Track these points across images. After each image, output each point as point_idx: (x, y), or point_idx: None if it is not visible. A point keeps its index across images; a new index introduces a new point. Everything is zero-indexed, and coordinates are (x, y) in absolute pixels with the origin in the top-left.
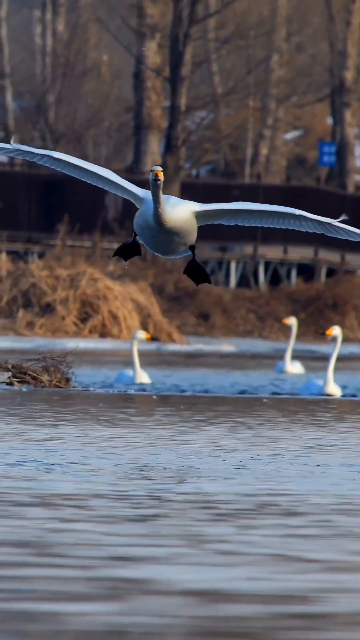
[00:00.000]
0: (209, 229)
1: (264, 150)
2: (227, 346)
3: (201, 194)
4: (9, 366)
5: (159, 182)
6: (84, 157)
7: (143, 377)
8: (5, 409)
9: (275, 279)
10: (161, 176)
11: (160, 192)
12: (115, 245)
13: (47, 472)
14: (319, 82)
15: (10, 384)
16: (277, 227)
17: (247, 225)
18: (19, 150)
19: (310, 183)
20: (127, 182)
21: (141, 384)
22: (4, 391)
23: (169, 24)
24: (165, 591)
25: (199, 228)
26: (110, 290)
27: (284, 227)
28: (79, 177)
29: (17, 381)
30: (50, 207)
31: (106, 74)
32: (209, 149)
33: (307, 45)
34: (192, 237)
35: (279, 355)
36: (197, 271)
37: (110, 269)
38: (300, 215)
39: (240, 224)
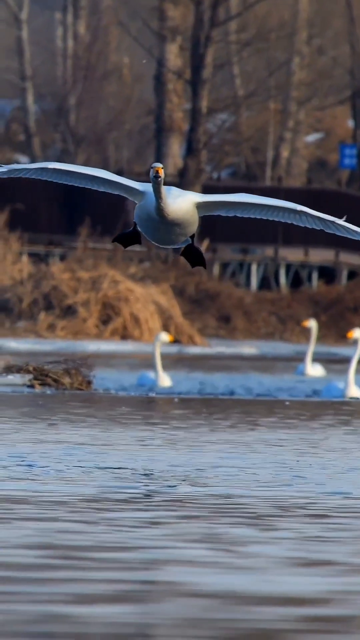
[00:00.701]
0: (230, 231)
1: (285, 153)
2: (248, 349)
3: None
4: (30, 369)
5: (159, 179)
6: (105, 160)
7: (165, 379)
8: (27, 411)
9: (296, 282)
10: (161, 173)
11: (162, 188)
12: (137, 248)
13: (69, 474)
14: (340, 85)
15: (32, 386)
16: (277, 220)
17: (246, 216)
18: (13, 170)
19: (331, 186)
20: (124, 178)
21: (163, 386)
22: (25, 394)
23: (190, 27)
24: (189, 593)
25: (219, 231)
26: (132, 293)
27: (283, 220)
28: (76, 185)
29: (39, 384)
30: (71, 209)
31: (127, 77)
32: (230, 152)
33: (328, 48)
34: (193, 228)
35: (301, 358)
36: (194, 254)
37: (131, 271)
38: (301, 211)
39: (239, 215)
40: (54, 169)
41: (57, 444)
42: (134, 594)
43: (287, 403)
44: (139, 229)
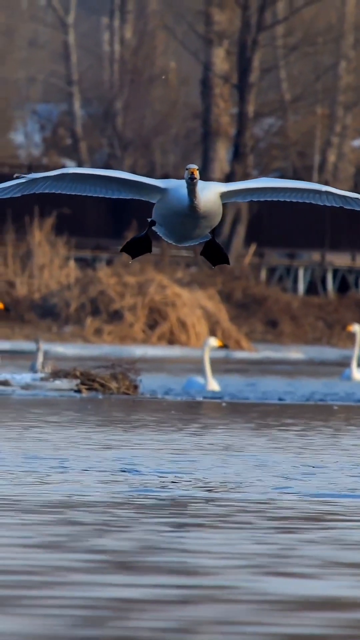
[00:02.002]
0: (277, 236)
1: (331, 158)
2: (295, 353)
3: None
4: (78, 373)
5: (195, 180)
6: (152, 164)
7: (214, 384)
8: (74, 415)
9: (343, 286)
10: (197, 174)
11: (197, 188)
12: (184, 253)
13: (116, 477)
14: None
15: (79, 391)
16: (301, 201)
17: (270, 199)
18: (32, 180)
19: None
20: (144, 177)
21: (212, 391)
22: (72, 398)
23: (237, 31)
24: (234, 599)
25: (266, 236)
26: (179, 297)
27: (307, 201)
28: (93, 194)
29: (86, 388)
30: (118, 213)
31: (173, 81)
32: (276, 156)
33: None
34: (218, 219)
35: (347, 363)
36: (215, 251)
37: (178, 275)
38: (325, 191)
39: (263, 199)
40: (74, 174)
41: (104, 449)
42: (178, 598)
43: (336, 407)
44: (159, 228)
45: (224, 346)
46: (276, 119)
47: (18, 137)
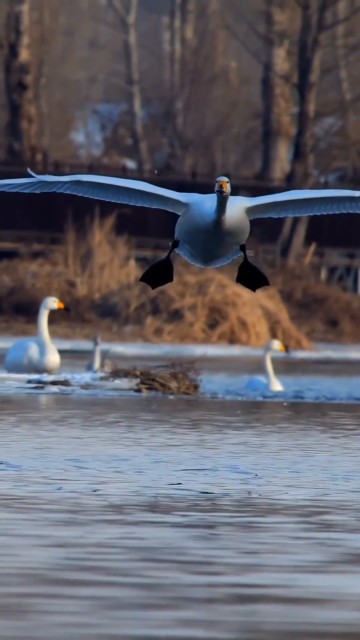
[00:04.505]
0: (337, 236)
1: None
2: (355, 353)
3: None
4: (137, 373)
5: (224, 193)
6: (212, 164)
7: (276, 384)
8: (133, 415)
9: None
10: (226, 187)
11: (227, 202)
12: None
13: (174, 478)
14: None
15: (139, 390)
16: (336, 212)
17: (302, 215)
18: (43, 182)
19: None
20: (165, 190)
21: (275, 391)
22: (132, 398)
23: (298, 31)
24: (287, 597)
25: (326, 235)
26: (239, 297)
27: (343, 211)
28: (112, 201)
29: (146, 388)
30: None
31: (234, 81)
32: (337, 156)
33: None
34: (246, 235)
35: None
36: (252, 274)
37: None
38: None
39: (293, 215)
40: (90, 182)
41: (165, 448)
42: (229, 596)
43: None
44: (182, 249)
45: (286, 350)
46: (336, 118)
47: (79, 137)
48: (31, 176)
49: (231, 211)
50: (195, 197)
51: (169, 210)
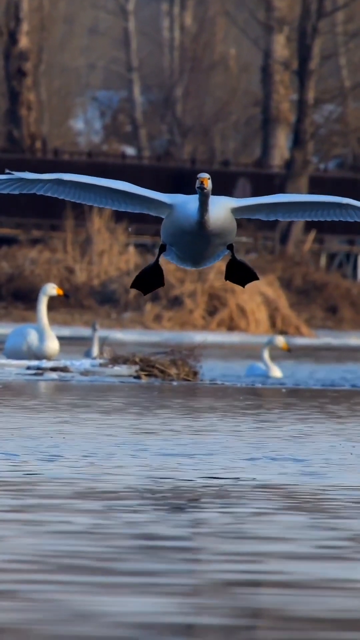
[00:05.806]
0: (337, 223)
1: None
2: (355, 339)
3: (329, 188)
4: (137, 359)
5: (205, 190)
6: (211, 151)
7: (276, 370)
8: (134, 401)
9: None
10: (207, 184)
11: (208, 200)
12: (244, 239)
13: (179, 465)
14: None
15: (138, 377)
16: (323, 219)
17: (292, 220)
18: (22, 180)
19: None
20: (149, 191)
21: (274, 377)
22: (131, 384)
23: (297, 17)
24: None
25: (326, 222)
26: None
27: (329, 218)
28: (93, 204)
29: (145, 374)
30: None
31: (234, 68)
32: (337, 143)
33: None
34: (232, 235)
35: None
36: (240, 271)
37: None
38: (347, 204)
39: (281, 219)
40: (71, 182)
41: (169, 435)
42: (244, 586)
43: None
44: (170, 252)
45: (288, 350)
46: (336, 105)
47: (78, 124)
48: (10, 174)
49: (215, 211)
50: (180, 198)
51: (152, 214)
